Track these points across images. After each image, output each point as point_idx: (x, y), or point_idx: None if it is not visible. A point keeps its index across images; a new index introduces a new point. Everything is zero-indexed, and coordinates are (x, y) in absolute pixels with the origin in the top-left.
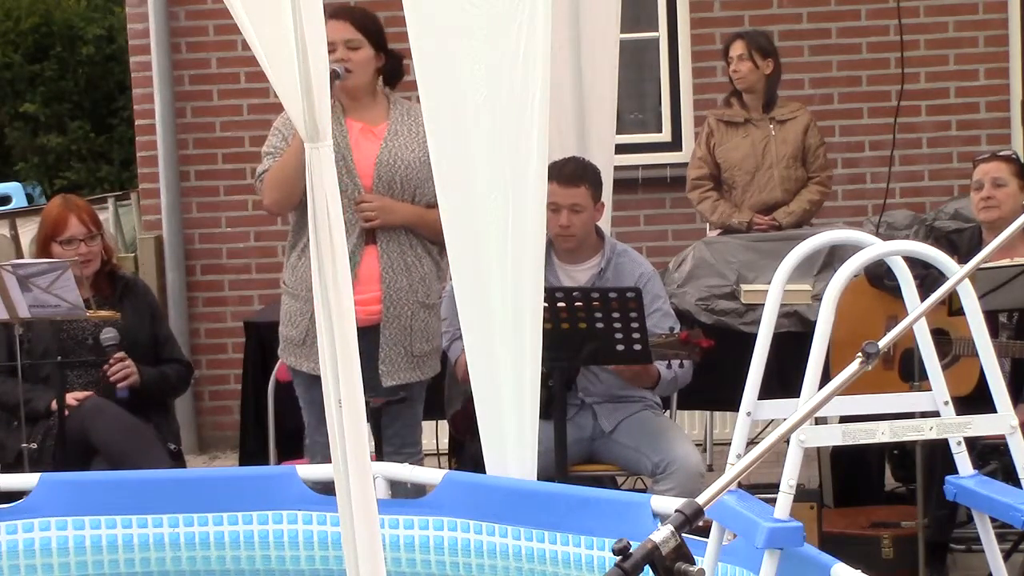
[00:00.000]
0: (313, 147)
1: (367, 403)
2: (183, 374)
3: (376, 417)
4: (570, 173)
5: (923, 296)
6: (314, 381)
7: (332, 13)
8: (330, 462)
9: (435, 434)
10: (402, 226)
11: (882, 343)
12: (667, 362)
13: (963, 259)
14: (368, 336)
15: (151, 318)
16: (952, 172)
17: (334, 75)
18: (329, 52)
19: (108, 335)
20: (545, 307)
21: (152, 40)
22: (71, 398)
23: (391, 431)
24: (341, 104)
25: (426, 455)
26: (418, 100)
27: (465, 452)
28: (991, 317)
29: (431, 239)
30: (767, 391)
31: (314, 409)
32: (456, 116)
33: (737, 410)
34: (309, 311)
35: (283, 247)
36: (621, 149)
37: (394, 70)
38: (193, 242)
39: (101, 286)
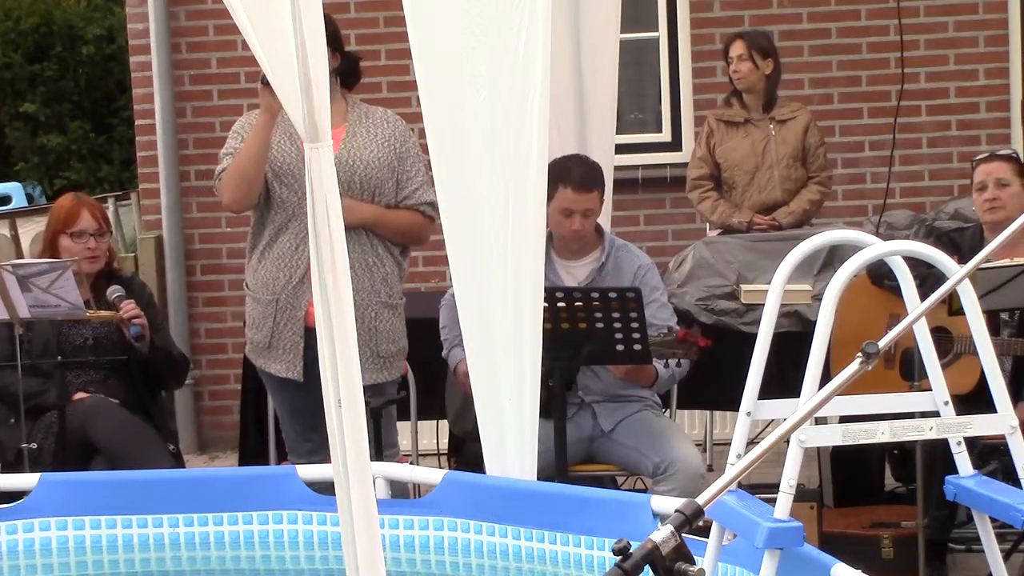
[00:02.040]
0: (313, 147)
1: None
2: (182, 358)
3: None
4: (583, 178)
5: (924, 296)
6: (282, 382)
7: None
8: (308, 452)
9: (435, 434)
10: (363, 225)
11: (882, 343)
12: (664, 361)
13: (964, 258)
14: None
15: (146, 310)
16: (952, 172)
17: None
18: None
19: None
20: (545, 307)
21: (152, 40)
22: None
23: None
24: None
25: (426, 455)
26: (418, 100)
27: (465, 452)
28: (992, 315)
29: (391, 239)
30: (767, 391)
31: (284, 408)
32: (456, 116)
33: (737, 410)
34: (271, 314)
35: None
36: (621, 149)
37: (351, 72)
38: (193, 242)
39: (99, 287)
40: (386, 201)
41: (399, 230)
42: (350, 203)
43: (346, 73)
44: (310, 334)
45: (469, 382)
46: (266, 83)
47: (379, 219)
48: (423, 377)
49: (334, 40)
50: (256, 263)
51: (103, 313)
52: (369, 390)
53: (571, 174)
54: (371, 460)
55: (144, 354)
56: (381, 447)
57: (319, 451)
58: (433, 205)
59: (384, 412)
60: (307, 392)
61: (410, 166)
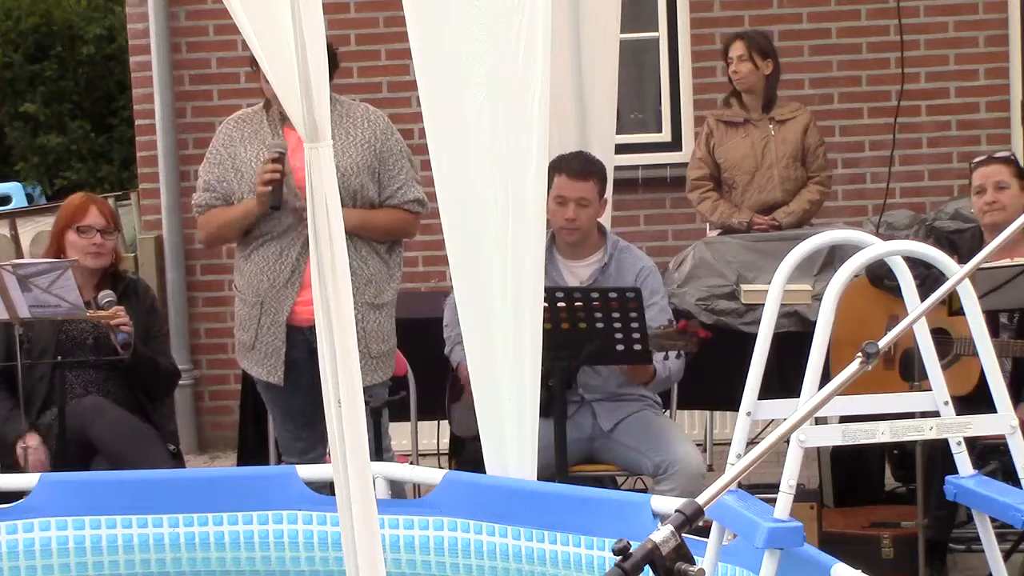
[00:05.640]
0: (313, 147)
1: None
2: (171, 370)
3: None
4: (579, 167)
5: (923, 296)
6: (266, 385)
7: None
8: (301, 452)
9: (435, 434)
10: (347, 231)
11: (882, 343)
12: (664, 355)
13: (963, 259)
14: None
15: (147, 316)
16: (952, 172)
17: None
18: None
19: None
20: (545, 307)
21: (152, 40)
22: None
23: None
24: (280, 113)
25: (426, 455)
26: (418, 100)
27: (465, 452)
28: (992, 317)
29: (377, 239)
30: (767, 391)
31: (274, 408)
32: (456, 116)
33: (737, 410)
34: (256, 316)
35: None
36: (621, 149)
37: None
38: (193, 242)
39: (104, 287)
40: (368, 202)
41: (385, 230)
42: None
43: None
44: (293, 333)
45: (470, 384)
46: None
47: (364, 223)
48: (423, 377)
49: None
50: (242, 264)
51: (103, 313)
52: (365, 392)
53: (568, 164)
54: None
55: (127, 361)
56: (381, 447)
57: (311, 450)
58: (419, 201)
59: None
60: (292, 393)
61: (392, 164)
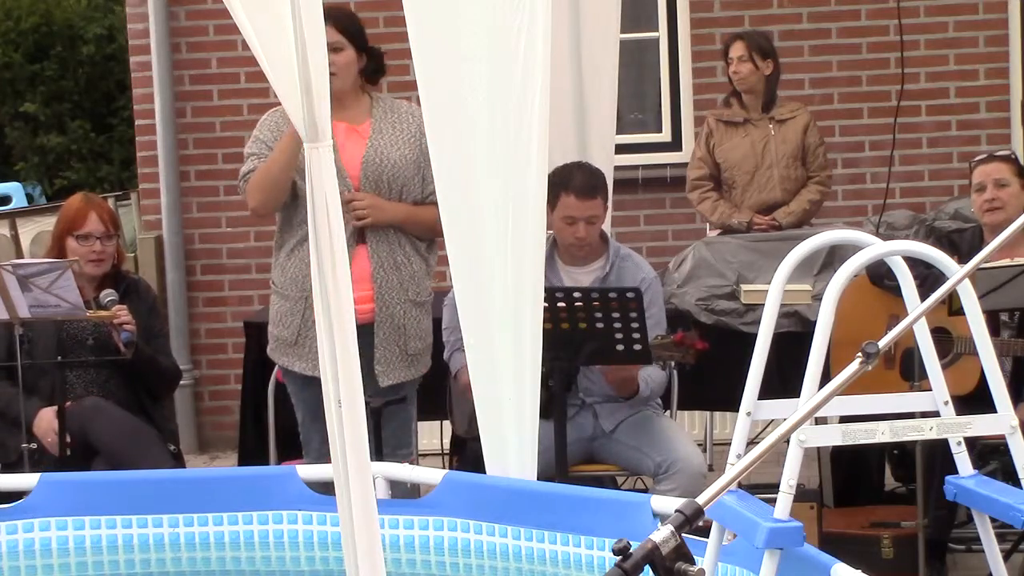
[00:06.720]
0: (313, 147)
1: (366, 403)
2: (173, 369)
3: (376, 417)
4: (586, 185)
5: (924, 296)
6: (307, 381)
7: None
8: (326, 457)
9: (435, 434)
10: (392, 224)
11: (882, 343)
12: (657, 365)
13: (964, 259)
14: (362, 336)
15: (149, 315)
16: (952, 172)
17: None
18: None
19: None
20: (545, 307)
21: (152, 40)
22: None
23: (387, 432)
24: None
25: (426, 455)
26: (418, 100)
27: (466, 452)
28: (992, 316)
29: (420, 235)
30: (767, 391)
31: (307, 407)
32: (456, 116)
33: (737, 410)
34: (300, 311)
35: None
36: (621, 149)
37: (376, 68)
38: (193, 242)
39: (106, 287)
40: (413, 198)
41: (428, 226)
42: (381, 202)
43: (372, 69)
44: None
45: (470, 389)
46: None
47: (410, 218)
48: (424, 377)
49: (362, 40)
50: (284, 260)
51: (103, 313)
52: (395, 388)
53: (573, 181)
54: (371, 460)
55: (129, 360)
56: (382, 447)
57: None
58: None
59: (404, 412)
60: None
61: None
